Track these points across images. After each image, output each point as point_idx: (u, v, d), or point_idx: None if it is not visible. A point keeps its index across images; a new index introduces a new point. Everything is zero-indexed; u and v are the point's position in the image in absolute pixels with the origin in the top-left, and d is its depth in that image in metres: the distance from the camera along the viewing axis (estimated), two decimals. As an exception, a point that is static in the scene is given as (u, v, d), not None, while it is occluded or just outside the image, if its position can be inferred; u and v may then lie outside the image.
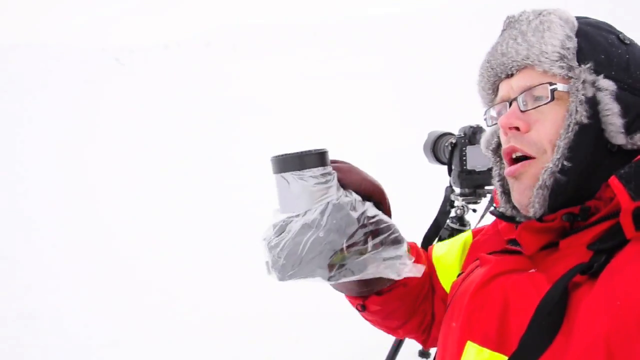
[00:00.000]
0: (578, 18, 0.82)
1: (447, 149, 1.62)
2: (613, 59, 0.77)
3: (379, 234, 0.72)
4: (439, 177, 1.82)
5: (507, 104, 0.82)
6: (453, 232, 1.74)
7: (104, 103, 6.93)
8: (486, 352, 0.77)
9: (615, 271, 0.67)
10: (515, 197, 0.82)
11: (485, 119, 0.89)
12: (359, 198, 0.72)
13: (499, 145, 0.88)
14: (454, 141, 1.59)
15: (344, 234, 0.67)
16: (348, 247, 0.69)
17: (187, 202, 4.31)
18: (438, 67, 7.67)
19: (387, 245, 0.72)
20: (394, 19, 10.42)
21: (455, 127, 1.73)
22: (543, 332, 0.70)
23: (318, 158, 0.68)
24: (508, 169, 0.83)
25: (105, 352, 2.60)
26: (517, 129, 0.80)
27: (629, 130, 0.75)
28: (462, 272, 0.98)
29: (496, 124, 0.86)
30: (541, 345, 0.70)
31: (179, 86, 7.44)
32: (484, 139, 0.93)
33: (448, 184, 1.69)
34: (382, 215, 0.73)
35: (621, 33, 0.82)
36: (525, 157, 0.81)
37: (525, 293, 0.75)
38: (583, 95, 0.75)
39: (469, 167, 1.59)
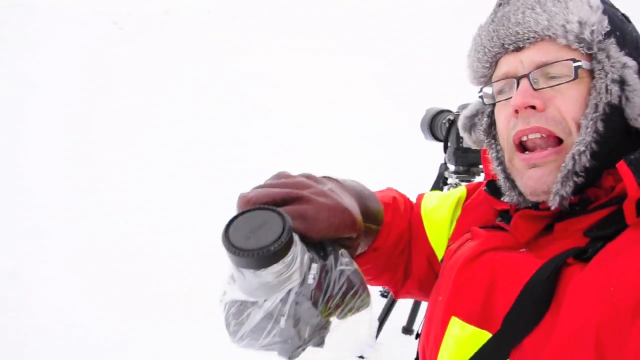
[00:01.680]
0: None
1: (445, 126, 1.61)
2: (627, 36, 0.74)
3: (345, 304, 0.64)
4: (433, 157, 1.80)
5: (515, 80, 0.76)
6: (459, 178, 1.73)
7: (102, 69, 6.77)
8: (470, 328, 0.76)
9: (611, 256, 0.65)
10: (529, 184, 0.76)
11: (481, 97, 0.81)
12: (321, 260, 0.63)
13: (490, 125, 0.83)
14: (452, 118, 1.58)
15: (306, 324, 0.62)
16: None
17: (194, 185, 4.28)
18: (434, 47, 7.60)
19: (355, 311, 0.65)
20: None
21: (451, 106, 1.72)
22: (529, 312, 0.69)
23: (276, 255, 0.59)
24: (531, 155, 0.76)
25: (114, 351, 2.59)
26: (533, 107, 0.74)
27: None
28: (450, 244, 0.94)
29: (494, 103, 0.80)
30: (527, 326, 0.69)
31: (179, 54, 7.28)
32: (461, 121, 0.88)
33: (442, 161, 1.69)
34: (349, 272, 0.64)
35: (629, 20, 0.78)
36: (540, 140, 0.75)
37: (513, 271, 0.74)
38: (614, 73, 0.72)
39: (465, 144, 1.58)
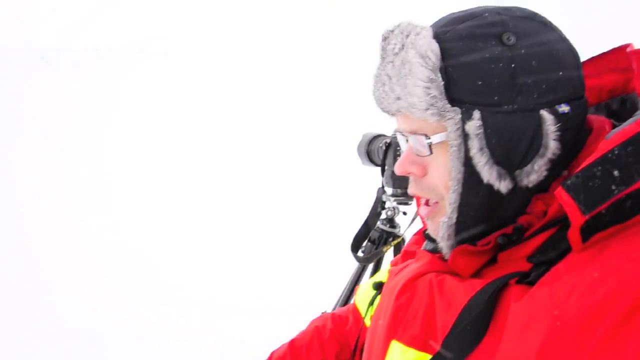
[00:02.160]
0: (445, 31, 0.71)
1: (382, 149, 1.63)
2: (493, 80, 0.68)
3: None
4: (372, 179, 1.85)
5: (404, 138, 0.78)
6: (383, 234, 1.75)
7: (26, 102, 6.61)
8: (411, 351, 0.75)
9: (555, 278, 0.64)
10: (431, 232, 0.80)
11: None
12: None
13: None
14: (388, 141, 1.60)
15: None
16: None
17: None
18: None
19: None
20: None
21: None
22: (467, 335, 0.68)
23: None
24: (420, 211, 0.81)
25: (114, 350, 2.58)
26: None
27: (522, 162, 0.69)
28: (393, 268, 0.95)
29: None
30: (465, 349, 0.67)
31: (108, 89, 7.22)
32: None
33: (380, 185, 1.70)
34: None
35: (506, 31, 0.69)
36: None
37: (453, 293, 0.73)
38: (456, 146, 0.70)
39: (401, 167, 1.61)
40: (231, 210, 3.96)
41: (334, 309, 1.91)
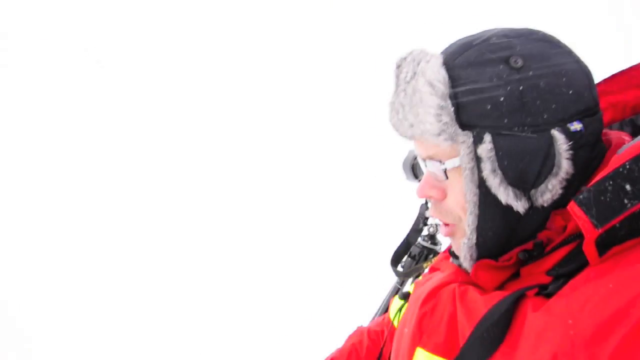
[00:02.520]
0: (454, 58, 0.73)
1: (427, 166, 1.63)
2: (502, 103, 0.69)
3: None
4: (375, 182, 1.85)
5: (423, 163, 0.80)
6: (424, 250, 1.74)
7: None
8: (436, 359, 0.76)
9: (572, 290, 0.65)
10: (455, 250, 0.82)
11: None
12: None
13: None
14: (434, 158, 1.60)
15: None
16: None
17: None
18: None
19: None
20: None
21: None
22: (483, 343, 0.69)
23: None
24: (441, 230, 0.84)
25: (113, 351, 2.62)
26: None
27: (536, 182, 0.69)
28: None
29: None
30: (480, 356, 0.69)
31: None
32: None
33: (423, 201, 1.70)
34: None
35: (513, 54, 0.70)
36: None
37: (474, 303, 0.74)
38: (469, 169, 0.72)
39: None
40: (232, 214, 3.93)
41: (386, 298, 1.92)
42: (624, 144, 0.72)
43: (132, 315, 2.90)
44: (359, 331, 1.18)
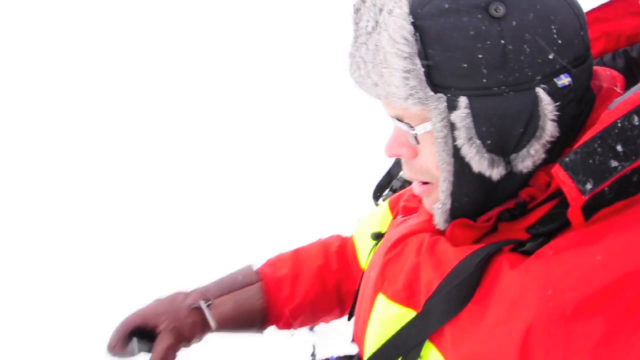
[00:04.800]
0: (423, 4, 0.62)
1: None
2: (480, 60, 0.60)
3: None
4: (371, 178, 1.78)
5: (397, 122, 0.71)
6: (405, 184, 1.71)
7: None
8: (394, 306, 0.75)
9: (554, 252, 0.60)
10: (427, 208, 0.77)
11: None
12: None
13: None
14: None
15: None
16: None
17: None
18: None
19: None
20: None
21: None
22: (451, 298, 0.65)
23: None
24: (414, 188, 0.77)
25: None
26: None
27: (517, 147, 0.62)
28: (397, 218, 0.94)
29: None
30: (447, 312, 0.66)
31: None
32: None
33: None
34: None
35: (494, 1, 0.59)
36: None
37: (445, 254, 0.71)
38: (442, 138, 0.64)
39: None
40: (230, 213, 3.80)
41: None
42: (615, 93, 0.66)
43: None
44: (329, 247, 1.17)
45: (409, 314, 0.71)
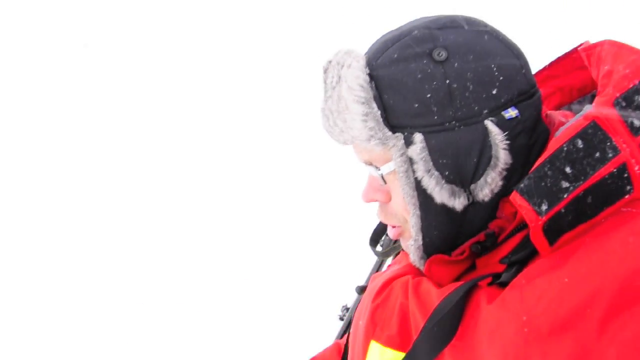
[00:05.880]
0: (377, 57, 0.72)
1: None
2: (429, 99, 0.68)
3: None
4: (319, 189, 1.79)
5: (368, 167, 0.79)
6: (402, 228, 1.70)
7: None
8: (389, 351, 0.78)
9: (527, 281, 0.64)
10: (405, 250, 0.83)
11: None
12: None
13: None
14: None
15: None
16: None
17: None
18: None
19: None
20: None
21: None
22: (434, 337, 0.69)
23: None
24: (389, 232, 0.84)
25: (112, 348, 2.67)
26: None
27: (474, 177, 0.69)
28: None
29: None
30: (432, 350, 0.69)
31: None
32: None
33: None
34: None
35: (437, 46, 0.69)
36: None
37: (428, 295, 0.75)
38: (403, 172, 0.72)
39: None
40: (229, 212, 3.88)
41: (354, 304, 1.81)
42: (563, 125, 0.70)
43: (129, 311, 2.95)
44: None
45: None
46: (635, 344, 0.55)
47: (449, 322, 0.68)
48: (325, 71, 0.77)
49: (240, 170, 4.36)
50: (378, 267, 1.74)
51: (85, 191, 4.19)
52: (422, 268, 0.78)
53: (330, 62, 0.76)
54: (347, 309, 1.97)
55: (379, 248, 1.73)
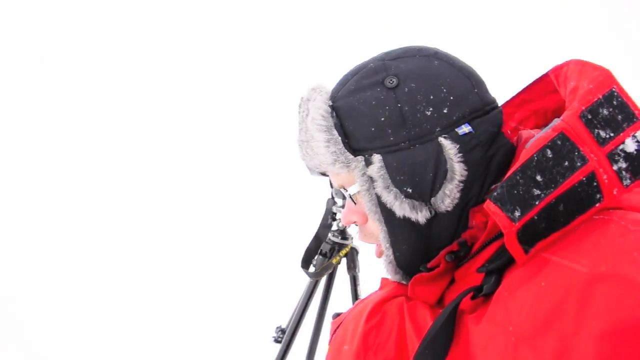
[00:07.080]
0: (338, 90, 0.78)
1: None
2: (384, 123, 0.72)
3: None
4: (319, 190, 1.77)
5: (341, 191, 0.82)
6: (335, 246, 1.65)
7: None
8: None
9: (509, 293, 0.64)
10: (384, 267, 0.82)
11: None
12: None
13: None
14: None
15: None
16: None
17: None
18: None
19: None
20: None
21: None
22: (428, 359, 0.68)
23: None
24: (375, 251, 0.84)
25: (110, 351, 2.57)
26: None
27: (433, 190, 0.71)
28: None
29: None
30: None
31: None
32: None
33: (330, 196, 1.67)
34: None
35: (388, 75, 0.74)
36: None
37: (424, 318, 0.74)
38: (364, 191, 0.74)
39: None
40: (228, 211, 3.77)
41: (289, 325, 1.74)
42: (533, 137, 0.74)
43: (128, 310, 2.85)
44: None
45: None
46: (610, 335, 0.55)
47: (438, 342, 0.68)
48: (299, 107, 0.81)
49: (240, 170, 4.26)
50: (312, 288, 1.68)
51: (87, 191, 4.05)
52: (399, 281, 0.80)
53: (302, 98, 0.81)
54: (283, 331, 1.88)
55: (311, 269, 1.70)
